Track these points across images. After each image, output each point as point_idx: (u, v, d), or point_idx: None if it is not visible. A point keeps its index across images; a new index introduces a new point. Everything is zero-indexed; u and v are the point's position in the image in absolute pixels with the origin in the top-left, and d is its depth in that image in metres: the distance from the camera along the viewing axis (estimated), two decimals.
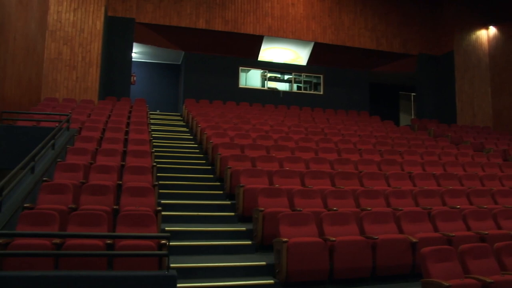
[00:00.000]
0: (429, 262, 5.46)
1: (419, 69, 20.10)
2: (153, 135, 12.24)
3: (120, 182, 7.78)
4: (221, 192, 9.24)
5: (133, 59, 17.64)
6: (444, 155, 12.55)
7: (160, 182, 8.78)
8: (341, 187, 8.63)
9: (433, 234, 6.97)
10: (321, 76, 19.80)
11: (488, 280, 5.19)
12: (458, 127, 17.53)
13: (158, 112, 16.97)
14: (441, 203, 8.67)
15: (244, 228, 7.55)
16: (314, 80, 19.88)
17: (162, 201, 8.12)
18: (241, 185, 8.11)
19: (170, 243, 5.75)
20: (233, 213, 8.26)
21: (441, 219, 7.46)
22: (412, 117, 21.93)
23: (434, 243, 6.25)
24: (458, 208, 8.05)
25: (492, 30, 19.71)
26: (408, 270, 6.59)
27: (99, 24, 15.23)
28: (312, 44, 18.90)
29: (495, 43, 19.60)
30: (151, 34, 17.31)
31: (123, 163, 8.86)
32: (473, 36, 19.68)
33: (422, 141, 14.37)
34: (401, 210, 7.54)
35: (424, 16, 20.40)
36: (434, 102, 19.87)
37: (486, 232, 7.04)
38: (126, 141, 10.56)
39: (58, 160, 8.47)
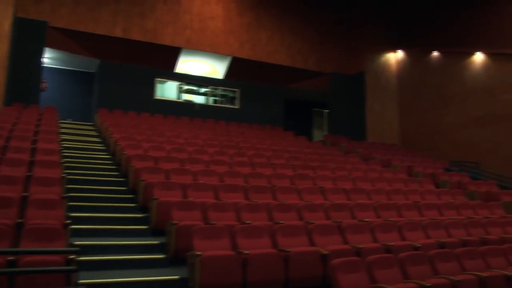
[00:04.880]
0: (339, 273, 5.64)
1: (333, 87, 20.88)
2: (64, 145, 11.73)
3: (26, 194, 7.36)
4: (134, 204, 9.00)
5: (44, 65, 16.88)
6: (354, 171, 13.07)
7: (69, 194, 8.41)
8: (255, 200, 8.71)
9: (343, 246, 7.20)
10: (238, 90, 20.01)
11: None
12: (368, 144, 18.37)
13: (69, 121, 16.30)
14: (350, 217, 8.99)
15: (157, 242, 7.41)
16: (231, 94, 20.05)
17: (72, 214, 7.76)
18: (154, 198, 7.97)
19: (80, 258, 5.53)
20: (146, 227, 8.08)
21: (350, 231, 7.74)
22: (325, 133, 22.68)
23: (344, 255, 6.45)
24: (367, 221, 8.39)
25: (400, 54, 20.94)
26: (319, 281, 6.74)
27: (7, 25, 14.36)
28: (229, 59, 19.08)
29: (402, 66, 20.83)
30: (65, 40, 16.65)
31: (30, 173, 8.40)
32: (383, 59, 20.79)
33: (333, 156, 14.86)
34: (312, 223, 7.73)
35: (338, 36, 21.26)
36: (346, 119, 20.69)
37: (392, 244, 7.37)
38: (33, 151, 10.04)
39: None
